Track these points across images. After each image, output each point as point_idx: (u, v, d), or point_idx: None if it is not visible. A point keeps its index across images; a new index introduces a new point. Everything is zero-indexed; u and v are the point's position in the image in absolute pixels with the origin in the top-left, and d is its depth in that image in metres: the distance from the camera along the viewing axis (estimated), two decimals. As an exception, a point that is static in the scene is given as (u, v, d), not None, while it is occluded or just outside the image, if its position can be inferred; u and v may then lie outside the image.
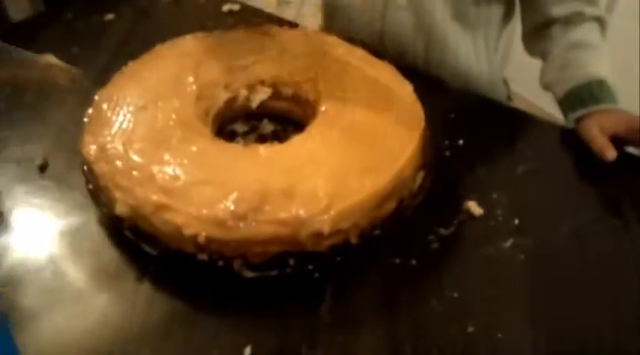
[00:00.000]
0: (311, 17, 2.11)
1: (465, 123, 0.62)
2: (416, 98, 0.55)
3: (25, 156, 0.56)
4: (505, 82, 0.77)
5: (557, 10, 0.66)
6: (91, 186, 0.49)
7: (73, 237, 0.49)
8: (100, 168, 0.47)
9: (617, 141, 0.59)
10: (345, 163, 0.48)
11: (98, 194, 0.48)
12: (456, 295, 0.46)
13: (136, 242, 0.46)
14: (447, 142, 0.59)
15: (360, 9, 0.69)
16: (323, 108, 0.53)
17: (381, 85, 0.56)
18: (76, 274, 0.47)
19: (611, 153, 0.58)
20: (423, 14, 0.67)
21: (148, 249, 0.46)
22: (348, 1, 0.70)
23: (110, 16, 0.76)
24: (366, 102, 0.54)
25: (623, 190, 0.57)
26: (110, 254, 0.48)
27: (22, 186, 0.53)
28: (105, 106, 0.51)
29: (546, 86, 0.67)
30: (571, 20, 0.66)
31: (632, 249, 0.51)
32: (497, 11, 0.69)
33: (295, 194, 0.45)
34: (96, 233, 0.50)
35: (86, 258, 0.48)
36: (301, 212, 0.44)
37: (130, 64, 0.56)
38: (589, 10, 0.66)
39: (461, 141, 0.60)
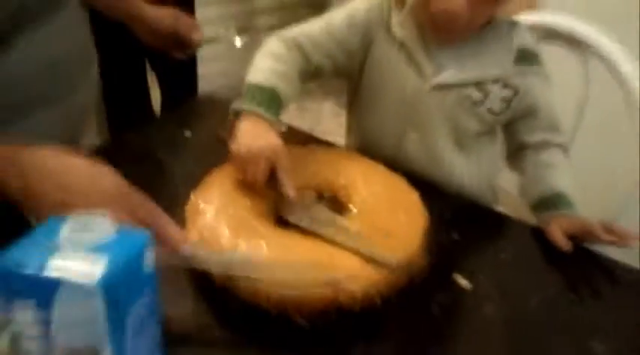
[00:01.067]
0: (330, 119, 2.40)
1: (458, 222, 0.82)
2: (421, 202, 0.75)
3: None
4: (493, 190, 0.98)
5: (529, 139, 0.88)
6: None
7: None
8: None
9: (573, 238, 0.79)
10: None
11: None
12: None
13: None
14: (445, 235, 0.79)
15: (381, 143, 0.91)
16: (353, 209, 0.74)
17: (395, 192, 0.76)
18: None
19: (566, 247, 0.77)
20: (430, 145, 0.88)
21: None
22: (378, 138, 0.92)
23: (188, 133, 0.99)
24: (384, 204, 0.74)
25: (578, 273, 0.76)
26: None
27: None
28: (200, 202, 0.72)
29: (522, 195, 0.88)
30: (540, 146, 0.88)
31: (586, 316, 0.70)
32: (488, 140, 0.91)
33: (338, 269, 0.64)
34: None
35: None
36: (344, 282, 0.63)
37: (214, 172, 0.77)
38: (556, 138, 0.88)
39: (455, 236, 0.79)
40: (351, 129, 0.97)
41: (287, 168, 0.73)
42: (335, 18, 0.88)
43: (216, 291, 0.64)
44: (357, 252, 0.65)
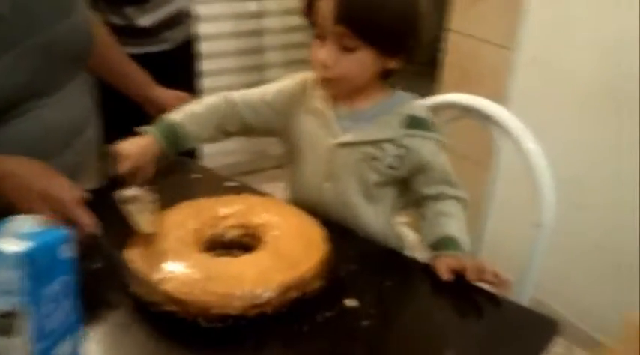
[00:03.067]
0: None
1: (358, 257, 0.98)
2: (324, 239, 0.92)
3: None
4: (399, 235, 1.14)
5: (426, 191, 1.05)
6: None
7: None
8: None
9: (460, 276, 0.94)
10: (272, 269, 0.84)
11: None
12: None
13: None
14: (344, 267, 0.94)
15: (305, 192, 1.10)
16: (265, 240, 0.91)
17: (303, 230, 0.94)
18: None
19: (445, 277, 0.92)
20: (342, 194, 1.06)
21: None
22: (302, 188, 1.11)
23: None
24: (291, 239, 0.91)
25: (455, 300, 0.91)
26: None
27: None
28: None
29: (421, 238, 1.04)
30: (436, 198, 1.04)
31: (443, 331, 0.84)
32: (391, 191, 1.08)
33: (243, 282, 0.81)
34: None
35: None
36: (240, 293, 0.80)
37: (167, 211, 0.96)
38: (451, 192, 1.05)
39: (353, 267, 0.95)
40: (287, 180, 1.16)
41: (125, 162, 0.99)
42: (269, 87, 1.12)
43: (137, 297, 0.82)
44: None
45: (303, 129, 1.08)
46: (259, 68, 2.80)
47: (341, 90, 1.04)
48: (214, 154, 2.01)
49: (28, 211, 0.80)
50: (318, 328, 0.82)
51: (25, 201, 0.85)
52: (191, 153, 1.51)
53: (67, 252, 0.65)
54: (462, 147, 1.42)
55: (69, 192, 0.87)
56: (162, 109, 1.20)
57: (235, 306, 0.79)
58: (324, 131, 1.05)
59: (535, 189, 1.14)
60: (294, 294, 0.84)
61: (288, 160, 1.14)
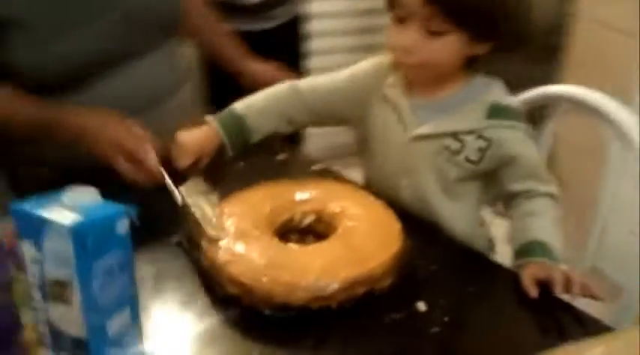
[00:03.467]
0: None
1: (439, 258, 0.90)
2: (401, 232, 0.86)
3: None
4: (487, 237, 1.05)
5: (512, 187, 0.95)
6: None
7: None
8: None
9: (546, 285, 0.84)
10: (340, 262, 0.80)
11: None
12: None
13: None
14: (423, 267, 0.88)
15: (381, 186, 1.03)
16: (339, 230, 0.87)
17: (378, 221, 0.88)
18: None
19: (532, 293, 0.83)
20: (420, 190, 0.99)
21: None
22: (378, 181, 1.05)
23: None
24: (366, 231, 0.86)
25: (540, 318, 0.82)
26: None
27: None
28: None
29: (509, 242, 0.94)
30: (524, 195, 0.94)
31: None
32: (474, 187, 1.00)
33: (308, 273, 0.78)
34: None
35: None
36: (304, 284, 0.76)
37: (237, 194, 0.94)
38: (542, 188, 0.94)
39: (434, 268, 0.88)
40: (363, 170, 1.10)
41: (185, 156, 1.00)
42: (340, 73, 1.06)
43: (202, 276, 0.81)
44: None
45: (377, 120, 1.01)
46: (371, 48, 2.73)
47: (422, 78, 0.96)
48: (319, 134, 1.99)
49: (103, 158, 0.94)
50: (382, 329, 0.77)
51: (99, 148, 0.94)
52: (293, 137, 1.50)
53: (124, 227, 0.64)
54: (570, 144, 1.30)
55: (142, 138, 0.94)
56: (257, 84, 1.19)
57: (299, 297, 0.76)
58: (398, 122, 0.98)
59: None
60: (361, 290, 0.79)
61: (361, 150, 1.08)
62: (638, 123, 1.06)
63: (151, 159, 0.93)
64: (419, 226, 0.93)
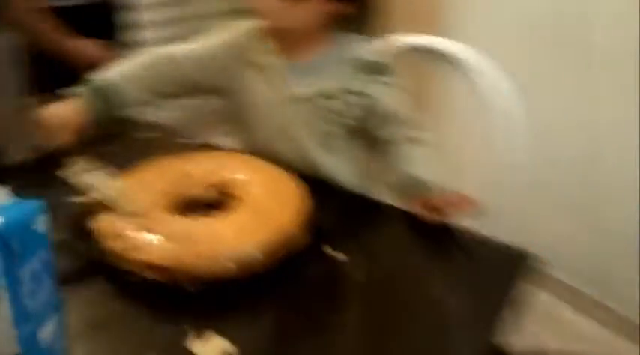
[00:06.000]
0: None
1: (337, 209, 0.95)
2: (300, 191, 0.88)
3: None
4: (368, 186, 1.12)
5: (387, 136, 1.02)
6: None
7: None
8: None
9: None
10: (255, 227, 0.80)
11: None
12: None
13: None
14: (325, 219, 0.91)
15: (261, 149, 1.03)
16: (242, 198, 0.86)
17: (279, 184, 0.89)
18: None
19: (429, 218, 0.91)
20: (299, 149, 1.02)
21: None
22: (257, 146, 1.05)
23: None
24: (268, 195, 0.87)
25: (437, 244, 0.90)
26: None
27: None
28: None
29: (389, 186, 1.01)
30: (397, 142, 1.01)
31: (439, 275, 0.83)
32: (353, 141, 1.05)
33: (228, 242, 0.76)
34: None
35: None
36: (227, 253, 0.75)
37: (124, 175, 0.88)
38: (412, 133, 1.02)
39: (334, 219, 0.92)
40: (237, 138, 1.10)
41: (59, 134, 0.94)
42: (209, 39, 1.04)
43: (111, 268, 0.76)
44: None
45: (252, 86, 1.02)
46: (200, 17, 2.63)
47: (290, 41, 0.99)
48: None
49: None
50: (310, 284, 0.80)
51: None
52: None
53: (43, 224, 0.58)
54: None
55: None
56: (80, 62, 1.13)
57: (223, 268, 0.75)
58: (273, 86, 1.01)
59: (504, 129, 1.14)
60: (281, 251, 0.80)
61: (234, 118, 1.07)
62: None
63: None
64: (309, 183, 0.96)
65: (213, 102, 1.10)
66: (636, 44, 1.45)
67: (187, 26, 2.59)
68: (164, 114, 1.87)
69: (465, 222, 0.93)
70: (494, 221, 1.07)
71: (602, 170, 1.61)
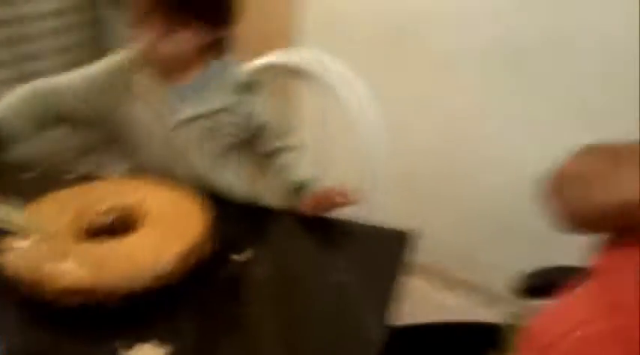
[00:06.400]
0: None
1: (233, 217, 1.03)
2: (199, 203, 0.95)
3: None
4: (258, 194, 1.22)
5: (267, 149, 1.14)
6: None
7: None
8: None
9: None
10: (164, 242, 0.86)
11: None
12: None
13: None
14: (224, 227, 0.99)
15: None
16: (147, 218, 0.92)
17: (178, 200, 0.96)
18: None
19: (314, 212, 1.03)
20: (192, 170, 1.10)
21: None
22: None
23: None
24: (170, 212, 0.93)
25: (326, 236, 1.02)
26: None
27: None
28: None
29: (277, 193, 1.12)
30: (277, 152, 1.14)
31: (331, 260, 0.95)
32: (237, 155, 1.15)
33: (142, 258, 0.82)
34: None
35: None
36: (142, 268, 0.81)
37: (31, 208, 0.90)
38: (288, 143, 1.14)
39: (233, 225, 1.01)
40: (126, 167, 1.15)
41: None
42: (90, 70, 1.08)
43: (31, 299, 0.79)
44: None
45: (135, 113, 1.07)
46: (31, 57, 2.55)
47: (168, 70, 1.05)
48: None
49: None
50: (222, 287, 0.88)
51: None
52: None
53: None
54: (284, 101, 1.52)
55: None
56: None
57: (140, 282, 0.81)
58: (156, 112, 1.07)
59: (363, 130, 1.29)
60: (191, 261, 0.87)
61: (122, 144, 1.11)
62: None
63: None
64: (207, 198, 1.03)
65: (83, 134, 1.13)
66: (475, 43, 1.68)
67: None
68: (36, 149, 1.84)
69: (346, 211, 1.06)
70: (371, 209, 1.23)
71: (459, 159, 1.83)
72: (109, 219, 0.94)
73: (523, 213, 1.40)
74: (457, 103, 1.77)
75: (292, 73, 1.37)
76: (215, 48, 1.08)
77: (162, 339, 0.75)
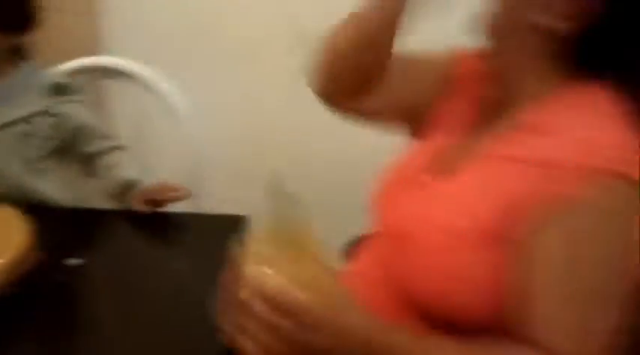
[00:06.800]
0: None
1: (60, 225, 1.01)
2: (19, 215, 0.92)
3: None
4: (86, 197, 1.19)
5: (91, 150, 1.12)
6: None
7: None
8: None
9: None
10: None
11: None
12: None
13: None
14: (50, 235, 0.97)
15: None
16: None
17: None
18: None
19: (146, 209, 1.04)
20: (9, 179, 1.05)
21: None
22: None
23: None
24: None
25: (160, 230, 1.04)
26: None
27: None
28: None
29: (107, 193, 1.11)
30: (102, 153, 1.13)
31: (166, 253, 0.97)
32: (59, 160, 1.12)
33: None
34: None
35: None
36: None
37: None
38: (110, 143, 1.13)
39: (59, 232, 0.98)
40: None
41: None
42: None
43: None
44: None
45: None
46: None
47: None
48: None
49: None
50: (59, 293, 0.87)
51: None
52: None
53: None
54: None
55: None
56: None
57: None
58: None
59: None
60: (18, 271, 0.84)
61: None
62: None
63: None
64: (26, 208, 0.99)
65: None
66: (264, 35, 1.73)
67: None
68: None
69: (178, 205, 1.08)
70: (202, 199, 1.26)
71: (272, 145, 1.90)
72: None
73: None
74: (264, 90, 1.82)
75: (105, 75, 1.35)
76: (16, 54, 1.04)
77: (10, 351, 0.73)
